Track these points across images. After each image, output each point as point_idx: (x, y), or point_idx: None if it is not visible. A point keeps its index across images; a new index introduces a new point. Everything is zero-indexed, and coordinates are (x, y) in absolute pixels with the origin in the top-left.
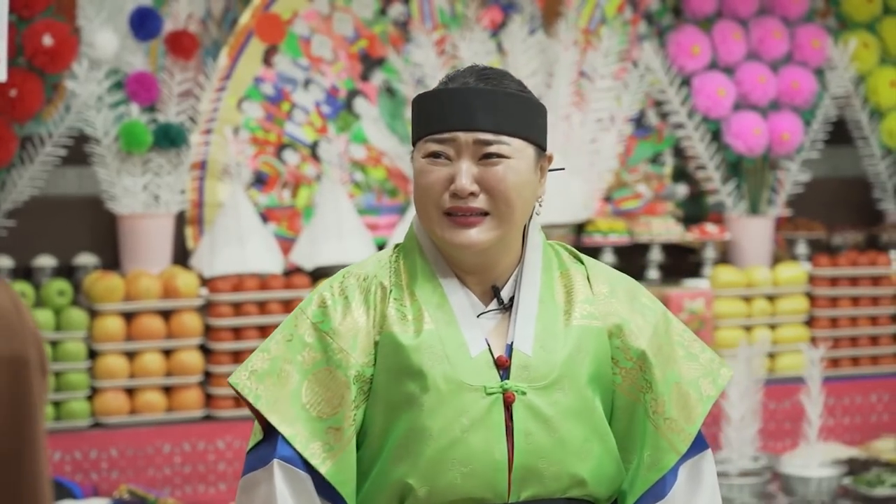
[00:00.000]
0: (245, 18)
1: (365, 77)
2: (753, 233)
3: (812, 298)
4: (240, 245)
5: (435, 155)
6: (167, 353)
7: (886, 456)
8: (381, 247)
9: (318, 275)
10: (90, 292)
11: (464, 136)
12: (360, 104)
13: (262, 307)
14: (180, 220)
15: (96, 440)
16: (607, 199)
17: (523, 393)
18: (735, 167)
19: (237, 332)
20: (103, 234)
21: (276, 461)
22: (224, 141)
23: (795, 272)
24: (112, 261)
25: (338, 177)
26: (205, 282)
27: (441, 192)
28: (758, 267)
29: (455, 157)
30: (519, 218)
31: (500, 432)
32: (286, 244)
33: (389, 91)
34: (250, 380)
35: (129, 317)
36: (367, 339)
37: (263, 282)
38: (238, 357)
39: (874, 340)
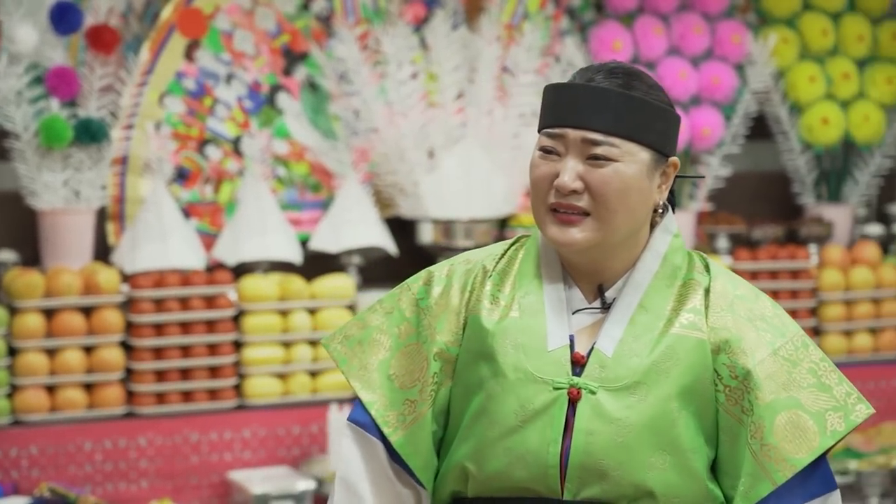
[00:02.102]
0: (166, 13)
1: (287, 72)
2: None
3: None
4: (162, 241)
5: (546, 150)
6: (88, 349)
7: None
8: (303, 242)
9: (241, 270)
10: (10, 289)
11: (573, 134)
12: (282, 99)
13: (184, 303)
14: (101, 216)
15: (16, 438)
16: (529, 193)
17: (593, 392)
18: None
19: (159, 329)
20: (23, 230)
21: (348, 423)
22: (145, 136)
23: None
24: (32, 257)
25: (260, 172)
26: (126, 278)
27: (548, 188)
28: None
29: (564, 153)
30: (623, 223)
31: (559, 428)
32: (208, 240)
33: (312, 86)
34: (342, 344)
35: (49, 313)
36: (455, 319)
37: (185, 278)
38: (160, 353)
39: None
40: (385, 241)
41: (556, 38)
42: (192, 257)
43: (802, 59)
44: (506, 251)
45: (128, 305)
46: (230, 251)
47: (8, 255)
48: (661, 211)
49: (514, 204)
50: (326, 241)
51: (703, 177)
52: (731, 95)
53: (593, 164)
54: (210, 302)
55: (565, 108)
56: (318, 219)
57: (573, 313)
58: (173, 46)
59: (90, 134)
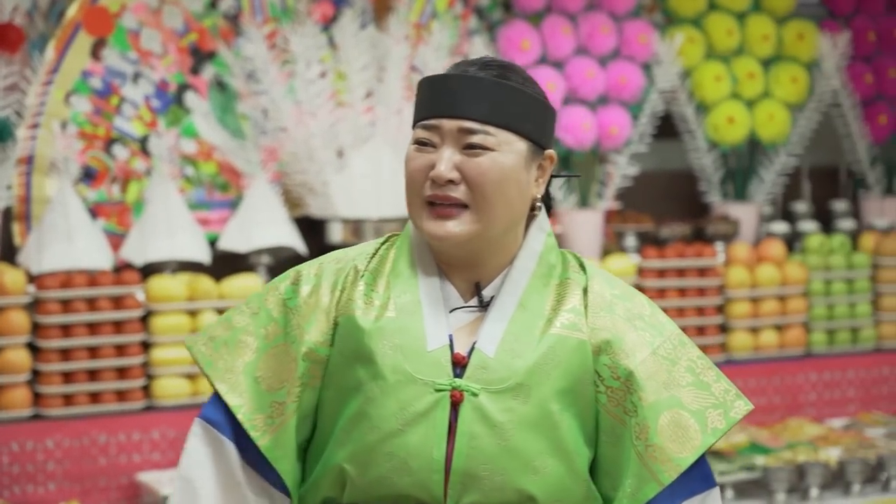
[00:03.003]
0: (72, 11)
1: (195, 71)
2: (583, 226)
3: (641, 290)
4: (68, 241)
5: (421, 142)
6: None
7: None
8: (212, 242)
9: (149, 271)
10: None
11: (448, 124)
12: (190, 98)
13: (92, 304)
14: (7, 216)
15: None
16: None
17: (475, 394)
18: (565, 161)
19: (66, 329)
20: None
21: (198, 420)
22: (51, 135)
23: (624, 264)
24: None
25: (168, 172)
26: (32, 279)
27: (423, 180)
28: (588, 259)
29: (440, 144)
30: (501, 215)
31: (442, 431)
32: (116, 240)
33: (220, 85)
34: (207, 346)
35: None
36: (325, 319)
37: (93, 278)
38: (67, 355)
39: (701, 331)
40: (294, 241)
41: (464, 37)
42: (99, 258)
43: (708, 59)
44: (377, 250)
45: (34, 306)
46: (138, 251)
47: None
48: (538, 206)
49: None
50: (235, 240)
51: (579, 175)
52: (639, 95)
53: (469, 153)
54: (118, 302)
55: (440, 98)
56: (226, 218)
57: (450, 312)
58: (79, 45)
59: None
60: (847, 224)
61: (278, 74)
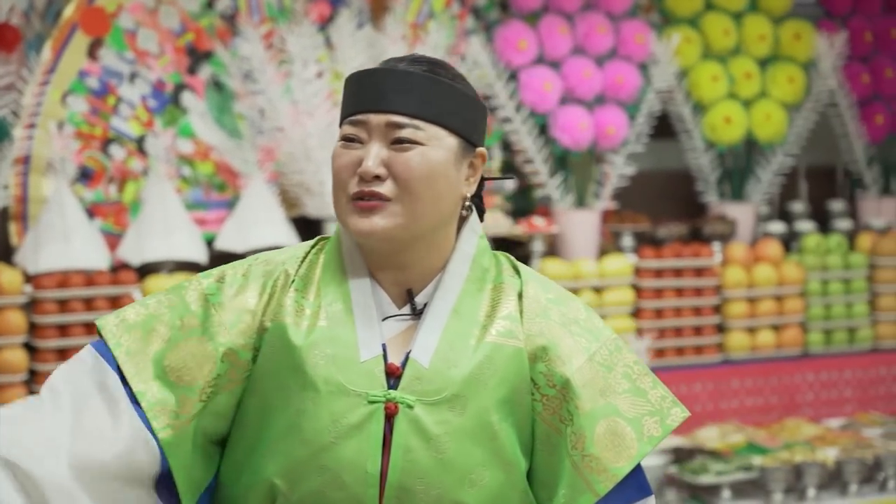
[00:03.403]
0: (69, 11)
1: (192, 71)
2: (580, 226)
3: (638, 290)
4: (65, 241)
5: (348, 139)
6: None
7: (710, 444)
8: (209, 242)
9: (146, 271)
10: None
11: (375, 119)
12: (187, 98)
13: (89, 304)
14: (3, 216)
15: None
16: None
17: (410, 406)
18: (562, 161)
19: (63, 329)
20: None
21: (90, 347)
22: (48, 135)
23: (621, 264)
24: None
25: (165, 172)
26: (29, 279)
27: (350, 177)
28: (584, 259)
29: (367, 140)
30: (428, 210)
31: (377, 445)
32: (113, 240)
33: (217, 85)
34: (118, 328)
35: None
36: (250, 322)
37: (90, 278)
38: (64, 355)
39: (698, 331)
40: (291, 241)
41: (461, 37)
42: (96, 257)
43: (705, 59)
44: (307, 254)
45: (31, 306)
46: (135, 251)
47: None
48: (467, 206)
49: None
50: (232, 240)
51: (512, 177)
52: (635, 95)
53: (398, 148)
54: (115, 302)
55: (367, 93)
56: (223, 218)
57: (383, 320)
58: (76, 45)
59: None
60: (844, 224)
61: (275, 74)
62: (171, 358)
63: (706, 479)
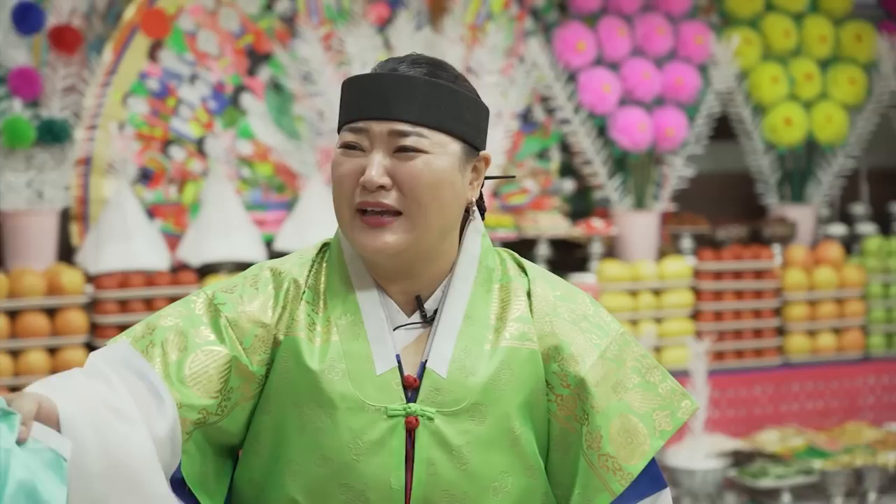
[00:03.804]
0: (130, 13)
1: (251, 72)
2: (639, 227)
3: (697, 292)
4: (126, 241)
5: (349, 146)
6: (52, 350)
7: (770, 448)
8: (268, 243)
9: (205, 271)
10: None
11: (377, 126)
12: (246, 99)
13: (149, 304)
14: (65, 217)
15: None
16: (495, 194)
17: (430, 418)
18: (620, 162)
19: (123, 330)
20: None
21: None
22: (109, 137)
23: (680, 266)
24: None
25: (224, 173)
26: (90, 279)
27: (352, 187)
28: (643, 261)
29: (369, 148)
30: (436, 221)
31: (399, 459)
32: (172, 240)
33: (276, 86)
34: (134, 342)
35: (12, 315)
36: (265, 335)
37: (150, 278)
38: None
39: (757, 334)
40: None
41: (519, 38)
42: (156, 258)
43: (765, 60)
44: (313, 262)
45: (92, 306)
46: (194, 252)
47: None
48: (472, 210)
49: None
50: (291, 241)
51: (514, 177)
52: (695, 96)
53: (401, 156)
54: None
55: (368, 99)
56: (282, 219)
57: (393, 329)
58: (136, 47)
59: (53, 134)
60: None
61: (334, 76)
62: (190, 367)
63: (766, 483)
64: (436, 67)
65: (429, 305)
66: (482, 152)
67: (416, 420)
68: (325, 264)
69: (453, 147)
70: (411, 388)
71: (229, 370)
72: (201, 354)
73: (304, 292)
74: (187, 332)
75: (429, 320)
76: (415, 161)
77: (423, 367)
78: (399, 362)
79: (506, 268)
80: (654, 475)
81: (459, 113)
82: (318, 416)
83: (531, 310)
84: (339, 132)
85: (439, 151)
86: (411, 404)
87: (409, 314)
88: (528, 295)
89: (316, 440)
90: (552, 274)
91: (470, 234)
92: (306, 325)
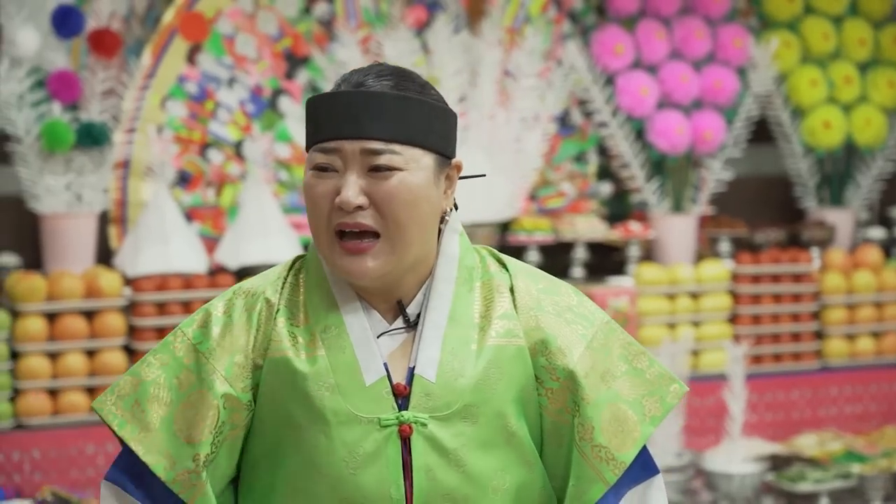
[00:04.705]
0: (168, 17)
1: (289, 76)
2: (677, 231)
3: (735, 296)
4: (164, 244)
5: (321, 168)
6: (90, 353)
7: (808, 452)
8: (306, 246)
9: (243, 274)
10: (12, 292)
11: (349, 146)
12: (284, 103)
13: (187, 307)
14: (103, 220)
15: (19, 441)
16: (532, 197)
17: (423, 425)
18: (658, 165)
19: (161, 332)
20: (25, 233)
21: (105, 483)
22: (147, 140)
23: (718, 270)
24: (34, 261)
25: (262, 176)
26: (128, 281)
27: (328, 208)
28: (681, 265)
29: (343, 168)
30: (414, 239)
31: (397, 469)
32: (211, 243)
33: (314, 90)
34: (117, 406)
35: (51, 317)
36: (243, 360)
37: (188, 281)
38: None
39: (796, 337)
40: None
41: (557, 41)
42: (194, 261)
43: (804, 63)
44: (284, 278)
45: (130, 309)
46: (232, 254)
47: (10, 259)
48: (448, 212)
49: (516, 208)
50: None
51: (483, 175)
52: (733, 99)
53: (376, 175)
54: None
55: (338, 118)
56: None
57: (377, 337)
58: (175, 50)
59: (92, 137)
60: None
61: None
62: (179, 420)
63: (804, 487)
64: (402, 78)
65: (411, 310)
66: (454, 161)
67: (410, 428)
68: (301, 278)
69: (426, 160)
70: (402, 396)
71: (217, 406)
72: (188, 401)
73: (277, 310)
74: (171, 382)
75: (412, 324)
76: (390, 180)
77: (411, 372)
78: (387, 370)
79: (486, 265)
80: (644, 460)
81: (430, 125)
82: (312, 433)
83: (515, 305)
84: (307, 151)
85: (413, 167)
86: (404, 412)
87: (392, 320)
88: (511, 290)
89: (312, 457)
90: (533, 267)
91: (448, 235)
92: (289, 341)
